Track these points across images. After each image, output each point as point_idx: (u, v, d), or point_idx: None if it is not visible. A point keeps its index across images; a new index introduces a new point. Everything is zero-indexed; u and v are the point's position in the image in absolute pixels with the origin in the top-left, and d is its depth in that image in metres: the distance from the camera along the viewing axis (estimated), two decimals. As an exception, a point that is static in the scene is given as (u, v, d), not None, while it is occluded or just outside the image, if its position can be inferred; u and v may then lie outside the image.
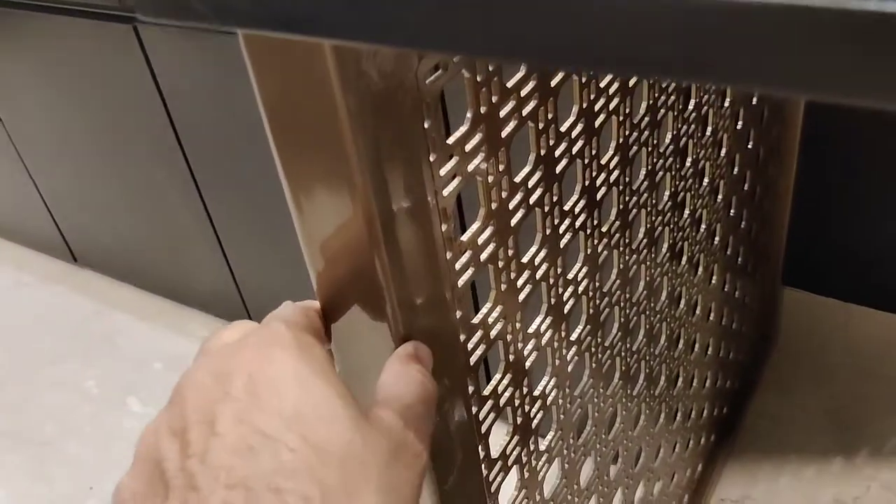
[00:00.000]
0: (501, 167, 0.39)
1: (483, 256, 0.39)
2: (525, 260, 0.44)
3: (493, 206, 0.39)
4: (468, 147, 0.36)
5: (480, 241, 0.39)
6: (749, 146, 0.83)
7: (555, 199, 0.45)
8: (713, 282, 0.84)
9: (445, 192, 0.35)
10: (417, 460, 0.28)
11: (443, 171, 0.34)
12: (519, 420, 0.49)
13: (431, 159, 0.33)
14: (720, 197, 0.78)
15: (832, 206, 1.08)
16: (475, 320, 0.41)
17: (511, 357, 0.46)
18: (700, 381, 0.90)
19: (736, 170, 0.80)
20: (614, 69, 0.25)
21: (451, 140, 0.34)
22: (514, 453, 0.49)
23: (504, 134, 0.38)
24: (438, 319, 0.36)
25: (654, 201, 0.60)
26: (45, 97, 1.27)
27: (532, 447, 0.51)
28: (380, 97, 0.28)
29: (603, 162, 0.50)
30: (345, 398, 0.27)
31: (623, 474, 0.71)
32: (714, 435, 1.05)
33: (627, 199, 0.55)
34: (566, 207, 0.47)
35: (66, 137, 1.32)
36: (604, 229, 0.53)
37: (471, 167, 0.36)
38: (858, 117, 0.97)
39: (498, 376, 0.45)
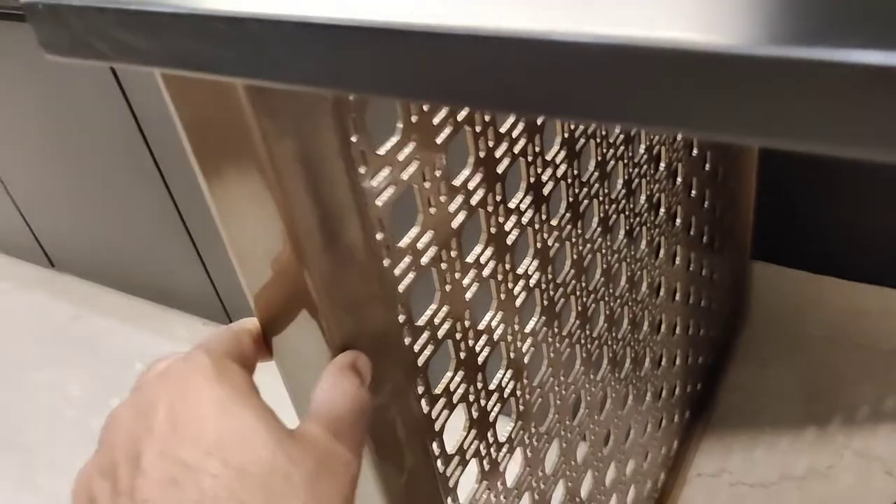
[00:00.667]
0: (438, 173, 0.39)
1: (424, 260, 0.40)
2: (470, 259, 0.45)
3: (432, 210, 0.40)
4: (401, 157, 0.36)
5: (420, 245, 0.40)
6: (707, 127, 0.84)
7: (498, 198, 0.46)
8: (677, 262, 0.85)
9: (379, 203, 0.36)
10: (347, 469, 0.29)
11: (374, 182, 0.35)
12: (475, 414, 0.50)
13: (362, 171, 0.34)
14: (679, 180, 0.78)
15: (798, 180, 1.09)
16: (420, 322, 0.42)
17: (462, 354, 0.47)
18: (670, 360, 0.91)
19: (695, 151, 0.81)
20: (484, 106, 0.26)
21: (381, 151, 0.35)
22: (472, 447, 0.50)
23: (439, 140, 0.39)
24: (379, 325, 0.37)
25: (606, 191, 0.61)
26: (17, 103, 1.26)
27: (491, 440, 0.52)
28: (298, 118, 0.28)
29: (549, 158, 0.51)
30: (265, 418, 0.28)
31: (592, 457, 0.72)
32: (689, 411, 1.07)
33: (577, 191, 0.56)
34: (511, 205, 0.48)
35: (38, 144, 1.31)
36: (553, 223, 0.54)
37: (405, 175, 0.37)
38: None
39: (450, 374, 0.46)
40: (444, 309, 0.44)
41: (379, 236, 0.36)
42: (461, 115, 0.40)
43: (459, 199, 0.42)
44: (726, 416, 1.14)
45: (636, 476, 0.88)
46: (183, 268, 1.34)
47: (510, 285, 0.50)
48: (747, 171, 1.04)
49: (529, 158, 0.48)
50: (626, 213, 0.67)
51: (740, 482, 1.08)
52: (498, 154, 0.44)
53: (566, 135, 0.52)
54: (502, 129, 0.44)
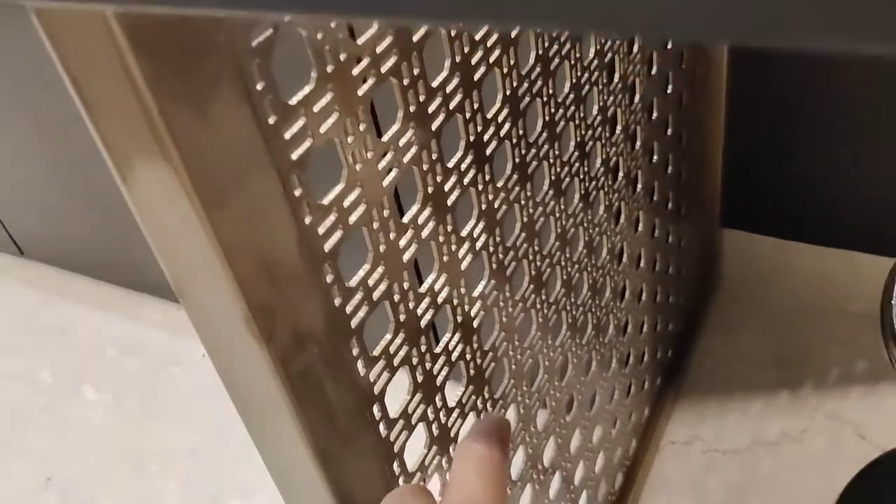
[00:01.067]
0: (363, 127, 0.38)
1: (352, 219, 0.39)
2: (406, 220, 0.44)
3: (358, 167, 0.39)
4: (317, 108, 0.35)
5: (347, 203, 0.38)
6: (668, 90, 0.83)
7: (434, 156, 0.45)
8: (640, 229, 0.85)
9: (294, 156, 0.34)
10: None
11: (288, 135, 0.34)
12: (420, 378, 0.49)
13: (271, 122, 0.33)
14: (638, 144, 0.78)
15: (766, 145, 1.08)
16: (352, 283, 0.41)
17: (402, 317, 0.46)
18: (636, 326, 0.91)
19: (655, 115, 0.80)
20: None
21: (293, 101, 0.34)
22: (419, 411, 0.49)
23: (361, 92, 0.38)
24: (302, 285, 0.36)
25: (556, 152, 0.60)
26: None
27: (439, 404, 0.52)
28: (187, 60, 0.27)
29: (489, 116, 0.50)
30: None
31: (554, 424, 0.72)
32: (659, 378, 1.07)
33: (524, 152, 0.55)
34: (450, 164, 0.47)
35: (3, 128, 1.29)
36: (499, 184, 0.53)
37: (323, 129, 0.36)
38: (785, 53, 0.97)
39: (388, 336, 0.45)
40: (379, 270, 0.43)
41: (297, 192, 0.35)
42: (385, 67, 0.39)
43: (389, 155, 0.41)
44: (698, 383, 1.14)
45: (604, 443, 0.88)
46: (152, 252, 1.32)
47: (453, 247, 0.49)
48: (713, 135, 1.03)
49: (467, 115, 0.47)
50: (581, 176, 0.66)
51: (713, 449, 1.08)
52: (431, 109, 0.43)
53: (507, 92, 0.51)
54: (434, 84, 0.43)
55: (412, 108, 0.42)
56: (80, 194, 1.31)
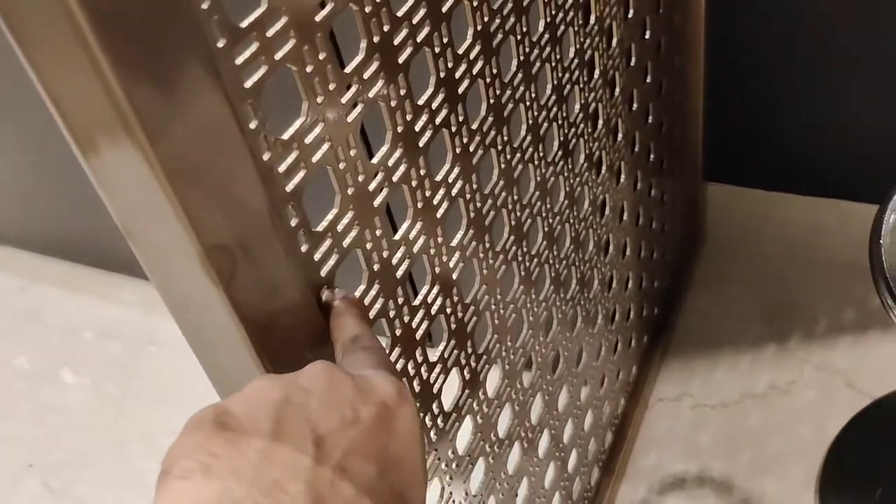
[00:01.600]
0: (322, 56, 0.35)
1: (315, 157, 0.36)
2: (375, 161, 0.42)
3: (319, 100, 0.36)
4: (270, 33, 0.32)
5: (309, 140, 0.36)
6: (646, 36, 0.80)
7: (402, 92, 0.42)
8: (622, 181, 0.82)
9: (248, 84, 0.32)
10: None
11: (239, 60, 0.31)
12: (398, 331, 0.47)
13: (220, 45, 0.30)
14: (618, 91, 0.75)
15: (748, 97, 1.06)
16: (320, 228, 0.38)
17: (375, 266, 0.43)
18: (621, 282, 0.89)
19: (633, 61, 0.78)
20: None
21: (244, 24, 0.31)
22: (398, 365, 0.47)
23: (318, 18, 0.35)
24: (263, 227, 0.34)
25: (533, 95, 0.57)
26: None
27: (420, 359, 0.50)
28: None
29: (460, 51, 0.47)
30: None
31: (540, 381, 0.70)
32: (647, 336, 1.06)
33: (498, 92, 0.52)
34: (420, 102, 0.44)
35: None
36: (473, 126, 0.50)
37: (278, 55, 0.33)
38: (762, 2, 0.95)
39: (362, 287, 0.43)
40: (349, 215, 0.40)
41: (253, 125, 0.32)
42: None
43: (353, 88, 0.38)
44: (686, 340, 1.13)
45: (593, 401, 0.86)
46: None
47: (427, 193, 0.47)
48: (693, 85, 1.01)
49: (437, 49, 0.44)
50: (559, 121, 0.63)
51: (702, 404, 1.07)
52: (397, 41, 0.41)
53: (479, 27, 0.48)
54: (399, 13, 0.40)
55: (376, 39, 0.39)
56: (51, 177, 1.27)
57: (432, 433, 0.53)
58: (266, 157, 0.33)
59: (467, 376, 0.56)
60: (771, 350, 1.11)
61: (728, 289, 1.18)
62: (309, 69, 0.35)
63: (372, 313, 0.44)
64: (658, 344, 1.08)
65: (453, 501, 0.57)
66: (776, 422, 1.03)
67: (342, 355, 0.36)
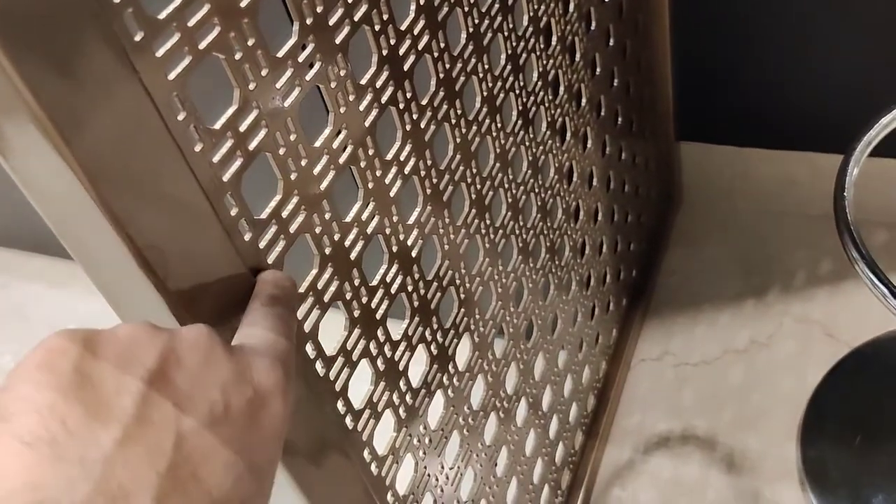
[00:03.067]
0: (251, 42, 0.35)
1: (252, 144, 0.36)
2: (318, 144, 0.41)
3: (252, 86, 0.36)
4: (192, 22, 0.32)
5: (243, 127, 0.35)
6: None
7: (341, 73, 0.42)
8: (589, 146, 0.82)
9: (171, 76, 0.31)
10: None
11: (160, 52, 0.31)
12: (356, 313, 0.47)
13: (137, 39, 0.29)
14: (578, 56, 0.74)
15: (715, 53, 1.06)
16: (263, 215, 0.38)
17: (327, 249, 0.43)
18: (595, 247, 0.89)
19: (594, 25, 0.77)
20: None
21: (163, 15, 0.30)
22: (359, 347, 0.47)
23: (244, 4, 0.34)
24: (197, 219, 0.33)
25: (486, 66, 0.57)
26: None
27: (382, 338, 0.50)
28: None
29: (402, 27, 0.46)
30: None
31: (514, 350, 0.70)
32: (626, 298, 1.06)
33: (448, 66, 0.52)
34: (363, 81, 0.44)
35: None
36: (423, 102, 0.50)
37: (203, 45, 0.32)
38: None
39: (314, 271, 0.43)
40: (294, 200, 0.40)
41: (181, 116, 0.32)
42: (269, -26, 0.35)
43: (289, 72, 0.38)
44: (665, 300, 1.14)
45: (571, 367, 0.87)
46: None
47: (378, 172, 0.46)
48: (659, 45, 1.00)
49: (377, 27, 0.44)
50: (517, 91, 0.63)
51: (684, 363, 1.08)
52: (332, 21, 0.40)
53: (422, 1, 0.47)
54: (332, -7, 0.40)
55: (309, 21, 0.38)
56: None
57: (401, 410, 0.53)
58: (198, 147, 0.33)
59: (435, 352, 0.56)
60: (750, 305, 1.12)
61: (705, 247, 1.19)
62: (238, 56, 0.34)
63: (326, 297, 0.44)
64: (637, 305, 1.09)
65: (428, 475, 0.58)
66: (757, 376, 1.04)
67: (249, 310, 0.34)
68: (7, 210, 1.42)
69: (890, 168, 1.05)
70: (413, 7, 0.47)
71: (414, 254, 0.52)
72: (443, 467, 0.60)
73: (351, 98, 0.43)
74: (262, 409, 0.28)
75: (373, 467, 0.51)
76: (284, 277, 0.37)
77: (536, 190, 0.70)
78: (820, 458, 0.94)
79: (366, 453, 0.50)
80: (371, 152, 0.45)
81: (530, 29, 0.63)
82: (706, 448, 1.00)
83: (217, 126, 0.34)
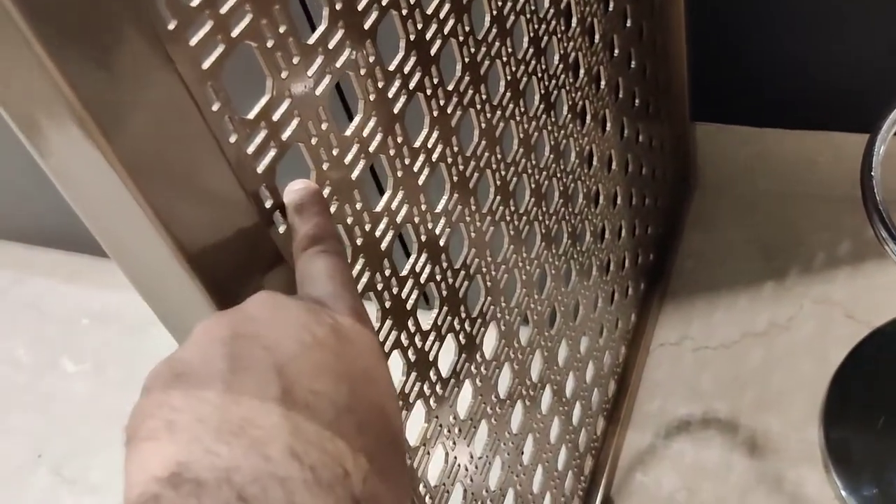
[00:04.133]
0: (282, 29, 0.34)
1: (286, 135, 0.35)
2: (349, 133, 0.40)
3: (284, 74, 0.35)
4: (224, 9, 0.31)
5: (276, 116, 0.35)
6: (623, -21, 0.78)
7: (371, 59, 0.41)
8: (608, 129, 0.81)
9: (205, 65, 0.30)
10: None
11: (194, 41, 0.30)
12: (388, 304, 0.46)
13: (171, 28, 0.29)
14: (597, 38, 0.73)
15: (729, 32, 1.04)
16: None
17: (358, 240, 0.42)
18: (614, 232, 0.88)
19: (611, 6, 0.76)
20: None
21: (195, 2, 0.30)
22: (391, 339, 0.47)
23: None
24: (235, 214, 0.33)
25: (509, 50, 0.56)
26: None
27: (413, 329, 0.49)
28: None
29: (429, 11, 0.45)
30: None
31: (538, 338, 0.70)
32: (644, 283, 1.05)
33: (473, 50, 0.51)
34: (391, 68, 0.43)
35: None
36: (449, 87, 0.49)
37: (235, 32, 0.32)
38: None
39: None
40: (325, 191, 0.39)
41: (215, 107, 0.31)
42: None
43: (319, 59, 0.37)
44: (683, 284, 1.13)
45: (593, 353, 0.86)
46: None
47: (407, 161, 0.46)
48: (674, 25, 0.99)
49: (404, 12, 0.43)
50: (539, 74, 0.62)
51: (703, 346, 1.07)
52: (361, 6, 0.39)
53: (444, -16, 0.47)
54: (360, -23, 0.39)
55: (339, 6, 0.38)
56: (37, 168, 1.25)
57: (431, 401, 0.52)
58: (233, 139, 0.32)
59: (463, 341, 0.56)
60: (769, 287, 1.11)
61: (723, 229, 1.18)
62: (269, 44, 0.34)
63: (359, 287, 0.43)
64: (655, 290, 1.08)
65: (458, 465, 0.57)
66: (777, 358, 1.04)
67: (298, 261, 0.33)
68: (21, 206, 1.41)
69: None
70: (434, -12, 0.46)
71: (442, 242, 0.51)
72: (472, 457, 0.59)
73: (380, 84, 0.42)
74: (351, 334, 0.29)
75: (406, 459, 0.50)
76: (305, 194, 0.35)
77: (558, 175, 0.69)
78: (843, 439, 0.93)
79: (398, 445, 0.49)
80: (400, 140, 0.44)
81: (551, 11, 0.62)
82: (728, 431, 0.99)
83: (251, 116, 0.33)
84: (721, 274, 1.13)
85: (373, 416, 0.26)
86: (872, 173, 0.65)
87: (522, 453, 0.69)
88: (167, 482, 0.22)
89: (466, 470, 0.58)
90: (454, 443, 0.56)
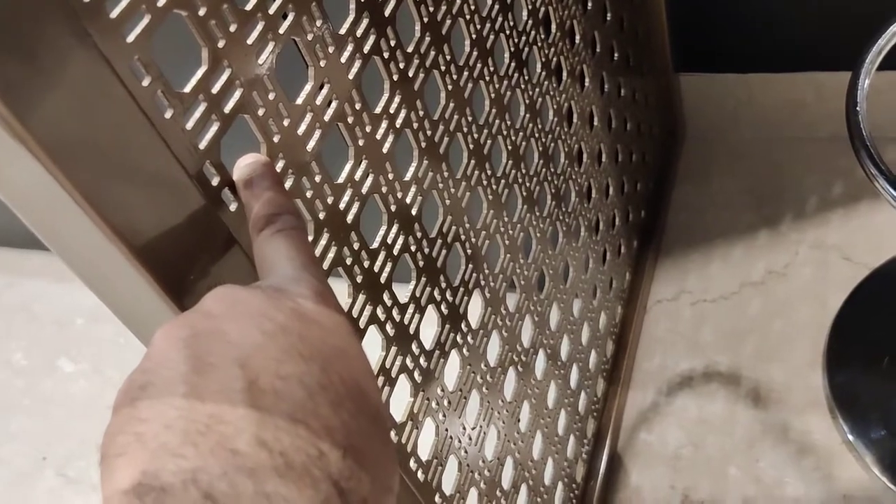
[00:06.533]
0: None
1: (228, 107, 0.34)
2: (300, 102, 0.39)
3: (220, 43, 0.33)
4: (145, -23, 0.29)
5: (215, 88, 0.33)
6: (591, -72, 0.75)
7: (318, 23, 0.39)
8: (587, 85, 0.79)
9: (130, 38, 0.29)
10: None
11: (114, 13, 0.28)
12: (359, 278, 0.45)
13: (85, 1, 0.27)
14: (567, -10, 0.71)
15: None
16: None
17: (321, 214, 0.41)
18: (601, 190, 0.87)
19: (581, -43, 0.74)
20: None
21: (111, -29, 0.28)
22: (366, 313, 0.45)
23: (202, -46, 0.31)
24: (180, 194, 0.31)
25: (472, 7, 0.54)
26: None
27: (389, 302, 0.47)
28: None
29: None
30: None
31: (526, 303, 0.68)
32: (636, 240, 1.04)
33: (431, 9, 0.49)
34: (342, 31, 0.41)
35: None
36: (409, 49, 0.47)
37: (162, 2, 0.30)
38: None
39: (310, 237, 0.40)
40: (279, 164, 0.37)
41: (146, 82, 0.29)
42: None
43: (260, 25, 0.35)
44: (677, 238, 1.11)
45: (587, 314, 0.85)
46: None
47: (368, 128, 0.44)
48: (650, -26, 0.96)
49: (350, -28, 0.41)
50: (507, 32, 0.60)
51: (701, 300, 1.06)
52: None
53: (396, -60, 0.44)
54: (298, -64, 0.37)
55: (277, -31, 0.36)
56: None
57: (416, 374, 0.51)
58: (168, 114, 0.31)
59: (445, 311, 0.54)
60: (763, 235, 1.09)
61: (713, 181, 1.16)
62: (201, 12, 0.32)
63: (326, 263, 0.41)
64: (649, 246, 1.07)
65: (450, 438, 0.56)
66: (777, 307, 1.02)
67: (254, 243, 0.32)
68: (4, 209, 1.39)
69: (899, 81, 1.01)
70: (388, -53, 0.44)
71: (414, 211, 0.49)
72: (464, 428, 0.58)
73: (330, 50, 0.40)
74: (309, 312, 0.28)
75: (391, 435, 0.49)
76: (254, 167, 0.34)
77: (536, 135, 0.67)
78: (848, 383, 0.92)
79: (383, 422, 0.48)
80: (358, 106, 0.43)
81: (515, -36, 0.60)
82: (730, 384, 0.98)
83: (187, 89, 0.32)
84: (715, 225, 1.11)
85: (348, 391, 0.26)
86: (857, 108, 0.64)
87: (519, 421, 0.68)
88: (133, 493, 0.22)
89: (460, 442, 0.57)
90: (444, 415, 0.55)
